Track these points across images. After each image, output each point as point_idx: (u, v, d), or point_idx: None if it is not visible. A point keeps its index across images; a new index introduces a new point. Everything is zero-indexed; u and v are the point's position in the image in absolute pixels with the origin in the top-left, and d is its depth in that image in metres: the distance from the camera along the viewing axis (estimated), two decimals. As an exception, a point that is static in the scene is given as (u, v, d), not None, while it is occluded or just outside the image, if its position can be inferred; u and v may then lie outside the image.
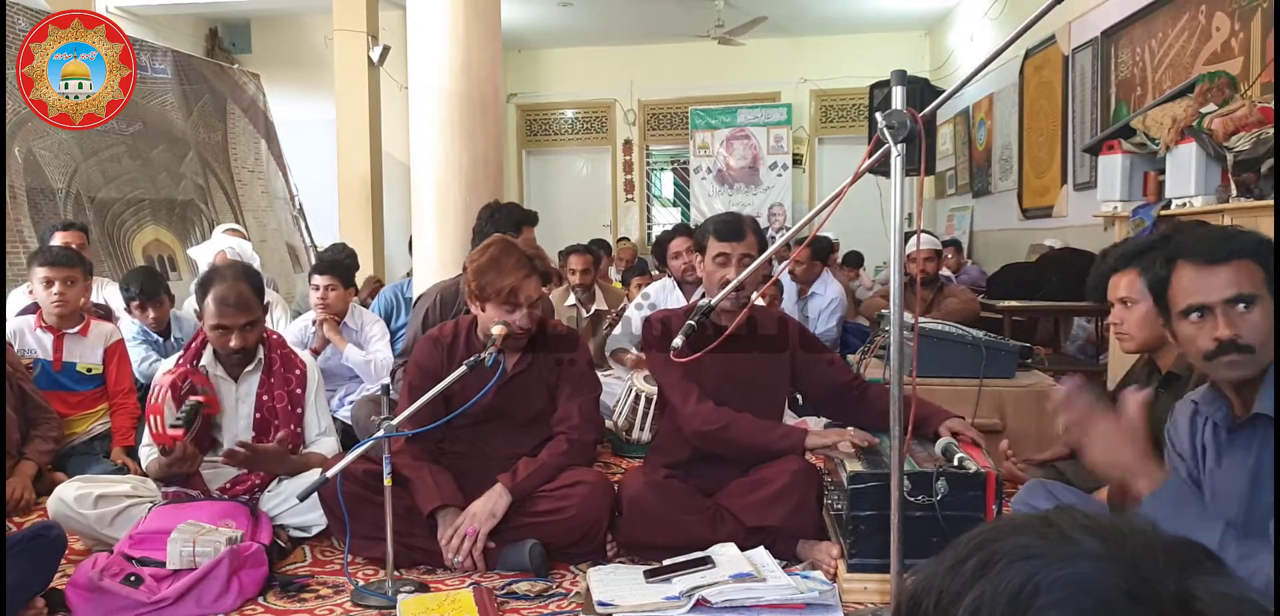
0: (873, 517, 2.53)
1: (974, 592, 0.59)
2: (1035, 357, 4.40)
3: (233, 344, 2.99)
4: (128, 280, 4.56)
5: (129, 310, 4.49)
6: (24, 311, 4.08)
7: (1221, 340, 1.67)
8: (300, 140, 8.77)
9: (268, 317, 4.46)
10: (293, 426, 3.09)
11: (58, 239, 4.76)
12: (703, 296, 2.91)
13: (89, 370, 3.95)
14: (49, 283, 3.84)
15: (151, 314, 4.42)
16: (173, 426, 2.83)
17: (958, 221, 9.86)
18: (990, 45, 7.64)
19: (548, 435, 2.96)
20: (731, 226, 2.94)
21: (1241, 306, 1.67)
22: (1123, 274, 2.69)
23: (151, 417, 2.88)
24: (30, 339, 3.90)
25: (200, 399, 2.90)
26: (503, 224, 3.83)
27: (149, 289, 4.43)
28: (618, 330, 4.77)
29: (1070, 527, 0.60)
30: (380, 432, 2.55)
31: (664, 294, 4.82)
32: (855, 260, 8.58)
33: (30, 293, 4.02)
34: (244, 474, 3.00)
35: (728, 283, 2.80)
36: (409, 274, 5.40)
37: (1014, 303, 5.72)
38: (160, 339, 4.48)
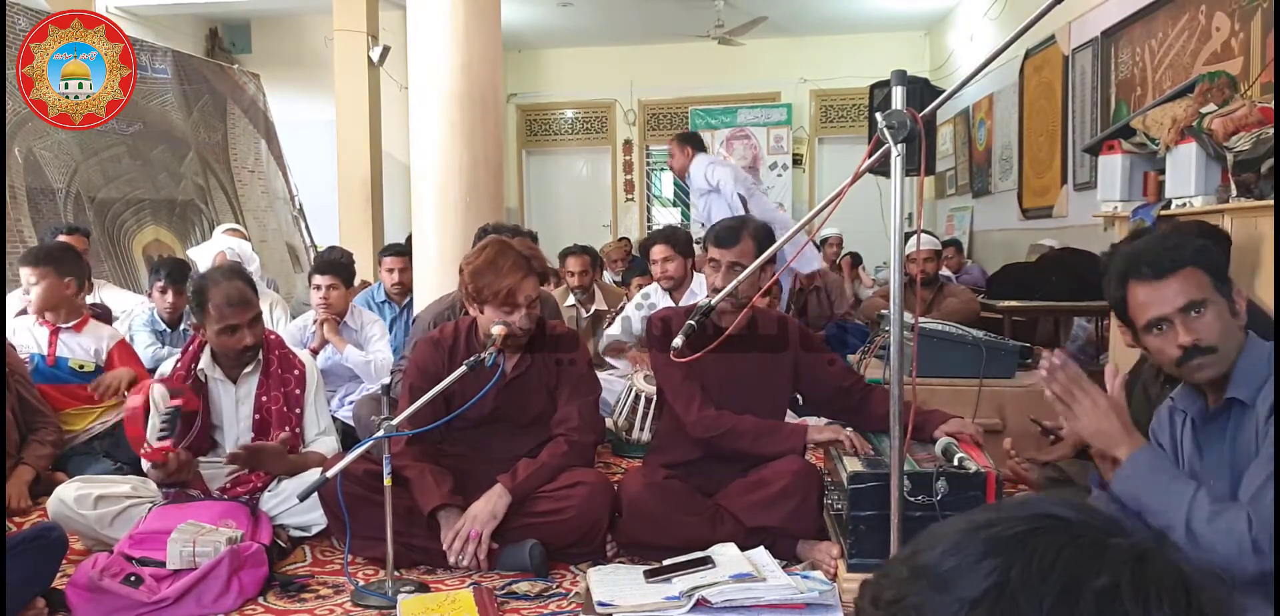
0: (873, 517, 2.53)
1: None
2: (1035, 358, 4.40)
3: (247, 341, 3.00)
4: (159, 263, 4.77)
5: (150, 293, 4.65)
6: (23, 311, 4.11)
7: (1185, 347, 1.78)
8: (300, 140, 8.76)
9: (268, 318, 4.48)
10: (291, 426, 3.09)
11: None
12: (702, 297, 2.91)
13: (82, 367, 3.97)
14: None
15: (170, 299, 4.52)
16: (160, 439, 2.83)
17: (958, 221, 9.86)
18: (990, 45, 7.63)
19: (547, 436, 2.95)
20: (725, 233, 2.95)
21: (1194, 312, 1.78)
22: None
23: (137, 442, 2.88)
24: (24, 334, 3.94)
25: (177, 403, 2.88)
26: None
27: (177, 276, 4.57)
28: (614, 327, 4.76)
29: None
30: (380, 432, 2.55)
31: (661, 293, 4.82)
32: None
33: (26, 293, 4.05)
34: (244, 474, 3.00)
35: (716, 289, 2.81)
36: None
37: (1014, 302, 5.71)
38: (168, 330, 4.57)
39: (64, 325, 3.96)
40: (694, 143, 6.22)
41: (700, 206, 6.22)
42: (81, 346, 3.99)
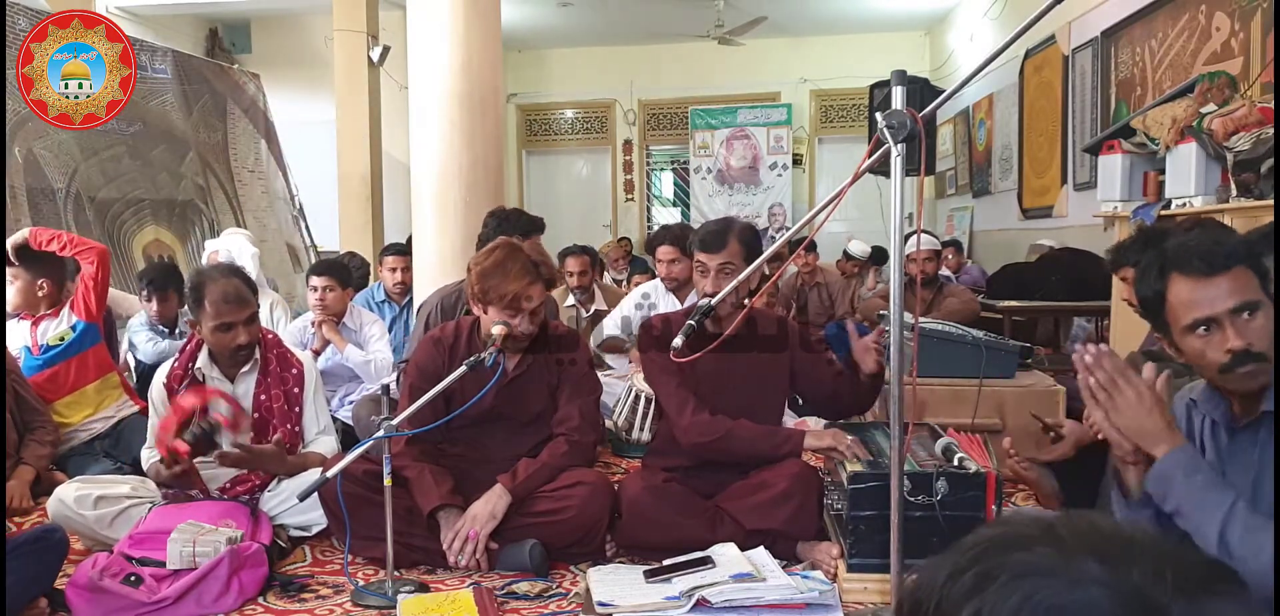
0: (873, 517, 2.53)
1: (971, 605, 0.58)
2: (1035, 358, 4.40)
3: (242, 340, 2.99)
4: (142, 272, 4.78)
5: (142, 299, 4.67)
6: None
7: (1235, 351, 1.63)
8: (300, 140, 8.76)
9: (268, 317, 4.46)
10: (290, 426, 3.09)
11: None
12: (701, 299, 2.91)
13: (62, 338, 3.98)
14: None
15: (156, 306, 4.53)
16: (184, 439, 2.82)
17: (958, 221, 9.86)
18: (990, 45, 7.62)
19: (548, 436, 2.96)
20: (710, 238, 2.93)
21: (1247, 314, 1.64)
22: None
23: (159, 429, 2.87)
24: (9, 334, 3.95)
25: (219, 420, 2.87)
26: (510, 231, 3.82)
27: (158, 282, 4.57)
28: (609, 321, 4.74)
29: (1075, 545, 0.59)
30: (380, 432, 2.55)
31: (662, 294, 4.81)
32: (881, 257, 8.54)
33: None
34: (244, 474, 3.00)
35: (707, 294, 2.81)
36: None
37: (1014, 302, 5.71)
38: (165, 331, 4.57)
39: (45, 312, 3.98)
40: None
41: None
42: (59, 320, 4.00)
